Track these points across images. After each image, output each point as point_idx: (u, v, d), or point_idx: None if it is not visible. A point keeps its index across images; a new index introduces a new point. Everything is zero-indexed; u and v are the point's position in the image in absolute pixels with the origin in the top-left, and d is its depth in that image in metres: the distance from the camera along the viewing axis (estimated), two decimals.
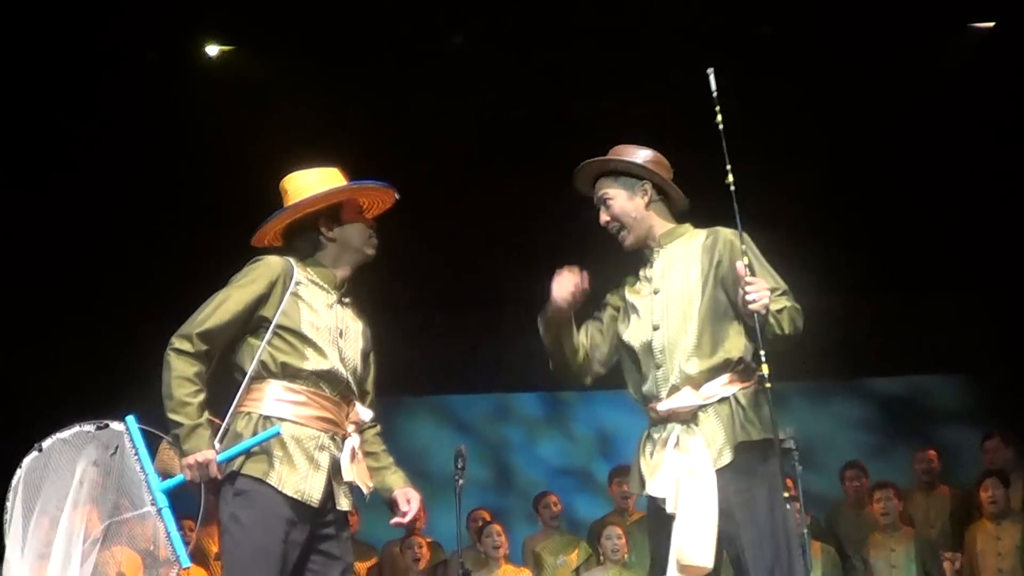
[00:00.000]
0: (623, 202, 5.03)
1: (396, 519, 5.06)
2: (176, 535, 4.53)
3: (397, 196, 5.14)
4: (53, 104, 9.75)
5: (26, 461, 4.70)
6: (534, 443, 12.28)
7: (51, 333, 10.24)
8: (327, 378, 4.79)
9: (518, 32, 9.89)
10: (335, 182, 5.04)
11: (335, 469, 4.75)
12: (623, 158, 5.06)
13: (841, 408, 12.10)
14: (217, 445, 4.63)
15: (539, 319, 5.11)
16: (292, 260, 4.90)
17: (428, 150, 10.41)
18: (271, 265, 4.83)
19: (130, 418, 4.70)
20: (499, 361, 11.70)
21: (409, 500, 5.03)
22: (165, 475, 4.69)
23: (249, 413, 4.72)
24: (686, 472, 4.68)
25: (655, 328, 4.89)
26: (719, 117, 4.83)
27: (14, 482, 4.67)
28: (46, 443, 4.72)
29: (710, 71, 4.90)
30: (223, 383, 4.81)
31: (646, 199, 5.03)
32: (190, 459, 4.55)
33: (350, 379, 4.87)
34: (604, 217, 5.08)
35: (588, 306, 5.17)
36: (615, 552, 9.15)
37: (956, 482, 9.99)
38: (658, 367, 4.86)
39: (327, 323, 4.84)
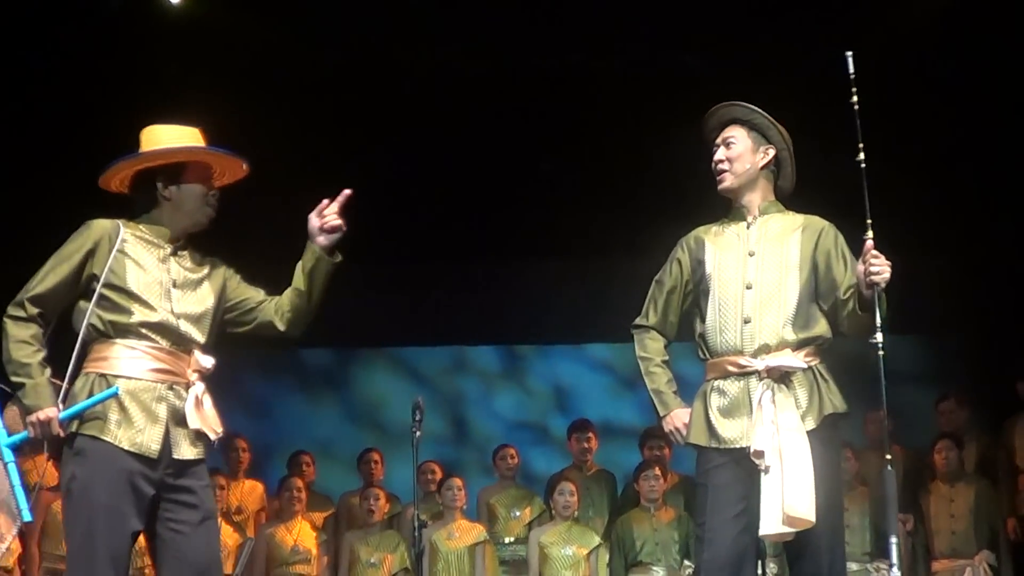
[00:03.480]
0: (744, 150, 5.12)
1: (326, 214, 5.00)
2: (19, 489, 4.63)
3: (246, 168, 5.14)
4: (6, 51, 9.63)
5: None
6: (491, 396, 12.27)
7: None
8: (158, 330, 4.83)
9: None
10: (189, 142, 5.05)
11: (176, 418, 4.81)
12: (768, 116, 5.16)
13: None
14: (61, 405, 4.71)
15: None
16: (120, 221, 4.95)
17: (393, 98, 10.37)
18: (96, 226, 4.91)
19: None
20: (456, 313, 11.70)
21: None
22: (12, 433, 4.79)
23: (87, 374, 4.80)
24: (786, 429, 4.77)
25: (748, 287, 4.99)
26: (855, 98, 4.99)
27: None
28: None
29: (849, 54, 4.99)
30: (64, 346, 4.91)
31: (765, 161, 5.13)
32: (32, 417, 4.66)
33: (187, 329, 4.90)
34: (719, 156, 5.15)
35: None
36: (566, 508, 9.21)
37: (910, 444, 10.03)
38: (746, 322, 4.95)
39: (157, 277, 4.89)
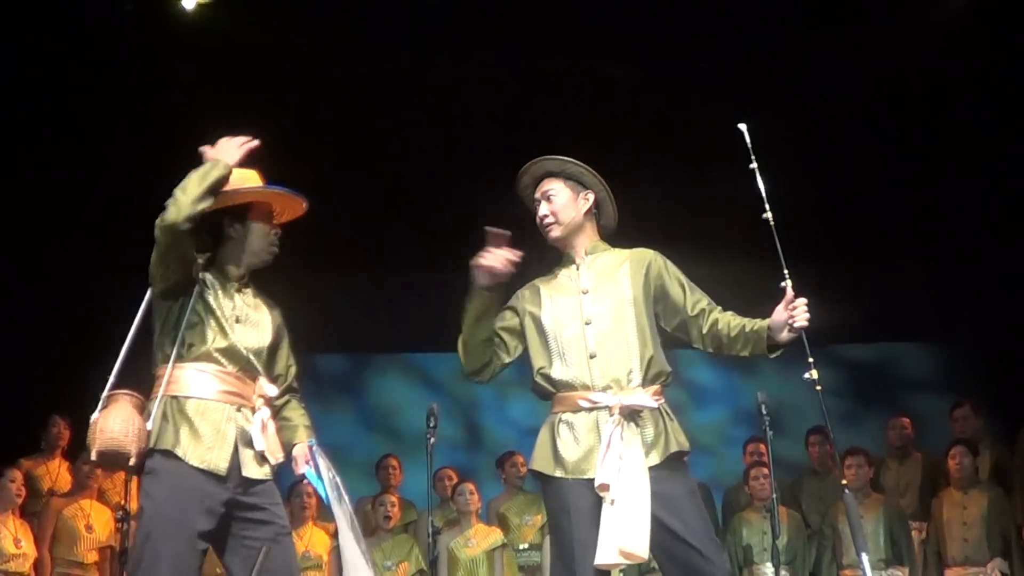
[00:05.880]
0: (566, 201, 5.26)
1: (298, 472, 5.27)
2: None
3: (305, 206, 5.32)
4: (24, 57, 9.66)
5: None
6: (504, 403, 12.25)
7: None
8: (228, 355, 5.03)
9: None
10: (250, 183, 5.22)
11: (244, 439, 4.97)
12: (581, 164, 5.27)
13: None
14: (147, 425, 4.87)
15: (468, 299, 5.38)
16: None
17: (404, 106, 10.40)
18: None
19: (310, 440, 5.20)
20: None
21: (307, 459, 5.21)
22: (123, 455, 4.85)
23: (160, 397, 4.94)
24: (630, 465, 4.85)
25: (587, 323, 5.09)
26: (754, 165, 5.14)
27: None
28: None
29: (743, 126, 5.18)
30: (139, 371, 5.10)
31: (587, 207, 5.26)
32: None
33: (251, 358, 5.10)
34: (544, 211, 5.27)
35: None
36: None
37: (926, 451, 10.03)
38: (592, 357, 5.04)
39: (228, 307, 5.09)
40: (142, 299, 5.12)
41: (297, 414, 5.34)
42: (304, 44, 9.97)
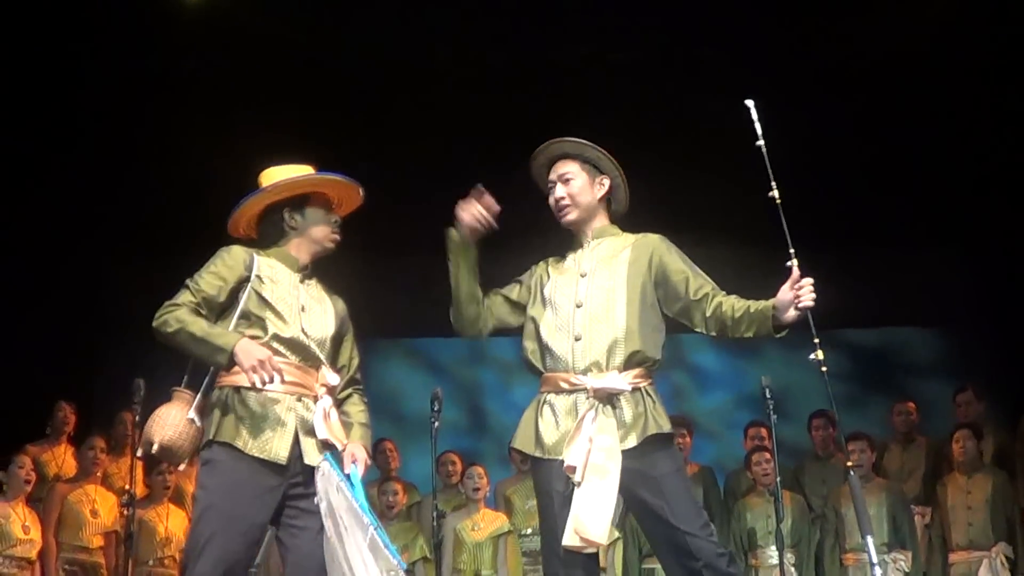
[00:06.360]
0: (583, 185, 5.31)
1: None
2: (392, 547, 5.05)
3: (362, 195, 5.45)
4: (23, 47, 9.66)
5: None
6: (508, 387, 12.25)
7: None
8: (290, 345, 5.09)
9: None
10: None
11: (305, 427, 5.02)
12: (599, 148, 5.31)
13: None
14: (194, 415, 4.97)
15: (448, 247, 5.52)
16: (252, 251, 5.20)
17: (405, 94, 10.40)
18: (235, 250, 5.17)
19: (327, 454, 5.05)
20: None
21: (354, 458, 5.16)
22: (148, 443, 4.99)
23: (222, 387, 5.03)
24: (598, 449, 4.89)
25: (578, 306, 5.16)
26: (761, 142, 5.08)
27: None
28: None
29: (750, 103, 5.13)
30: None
31: (603, 192, 5.33)
32: (252, 363, 4.80)
33: (314, 347, 5.15)
34: (560, 193, 5.33)
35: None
36: None
37: (929, 435, 10.04)
38: (577, 339, 5.10)
39: (290, 298, 5.16)
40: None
41: (356, 410, 5.37)
42: (307, 32, 9.97)
